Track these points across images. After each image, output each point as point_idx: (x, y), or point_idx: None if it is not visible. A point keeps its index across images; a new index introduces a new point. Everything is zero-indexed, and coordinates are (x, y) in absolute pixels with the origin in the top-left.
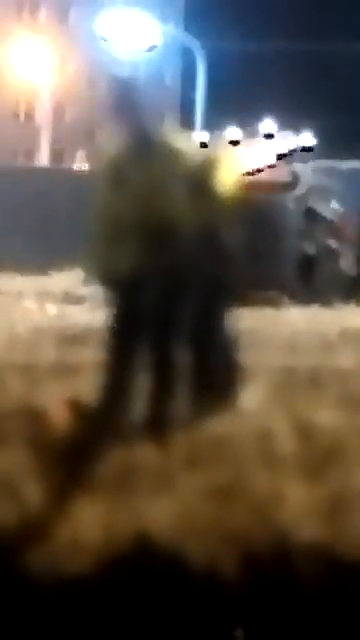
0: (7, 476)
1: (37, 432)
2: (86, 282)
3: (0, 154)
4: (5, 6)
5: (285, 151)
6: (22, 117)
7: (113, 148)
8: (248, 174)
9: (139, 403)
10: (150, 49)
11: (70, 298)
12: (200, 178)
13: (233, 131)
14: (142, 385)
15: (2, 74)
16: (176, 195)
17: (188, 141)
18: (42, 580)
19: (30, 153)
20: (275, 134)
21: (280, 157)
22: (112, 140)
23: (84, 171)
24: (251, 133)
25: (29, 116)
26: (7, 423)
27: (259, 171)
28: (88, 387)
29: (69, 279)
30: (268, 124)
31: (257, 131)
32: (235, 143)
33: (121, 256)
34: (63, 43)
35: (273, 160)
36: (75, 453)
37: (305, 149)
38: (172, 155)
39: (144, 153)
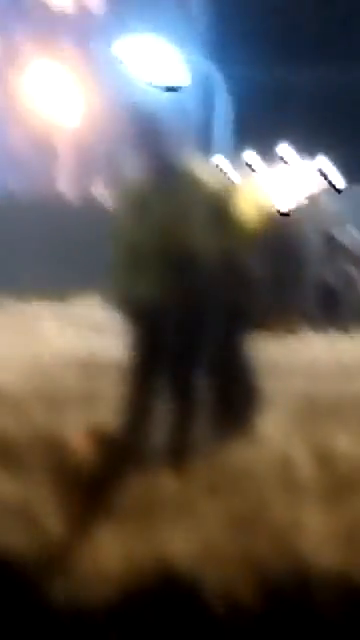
0: (29, 505)
1: (58, 461)
2: (106, 310)
3: (20, 182)
4: (24, 34)
5: (315, 192)
6: (42, 145)
7: (135, 177)
8: (282, 214)
9: (160, 431)
10: (176, 89)
11: (90, 325)
12: (221, 207)
13: (250, 155)
14: (163, 413)
15: (21, 102)
16: (198, 224)
17: (209, 170)
18: (64, 609)
19: (50, 181)
20: (302, 169)
21: (309, 197)
22: (134, 169)
23: (105, 200)
24: (269, 158)
25: (49, 144)
26: (29, 451)
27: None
28: (109, 416)
29: (89, 306)
30: (284, 148)
31: (276, 156)
32: (253, 170)
33: (142, 285)
34: (84, 71)
35: (303, 200)
36: (96, 482)
37: (335, 188)
38: (194, 184)
39: (166, 182)
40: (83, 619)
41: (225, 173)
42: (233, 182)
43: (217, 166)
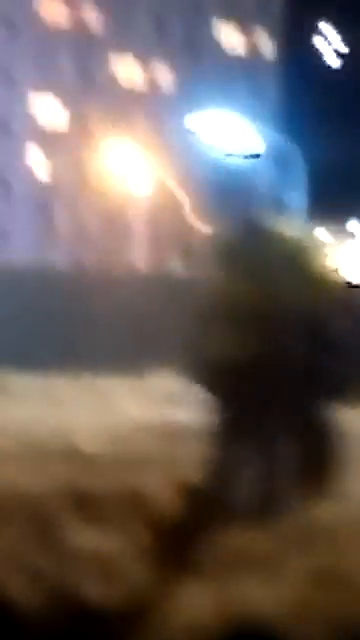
0: (115, 559)
1: (144, 517)
2: (181, 381)
3: (92, 255)
4: (95, 110)
5: None
6: (114, 219)
7: (223, 239)
8: (352, 287)
9: (246, 489)
10: (253, 157)
11: (166, 397)
12: (309, 266)
13: (320, 232)
14: (248, 471)
15: (94, 176)
16: (284, 288)
17: (298, 229)
18: None
19: (123, 254)
20: None
21: None
22: (222, 231)
23: (179, 274)
24: (341, 232)
25: (121, 218)
26: (114, 508)
27: None
28: (193, 475)
29: (164, 378)
30: (354, 225)
31: (345, 232)
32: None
33: (227, 348)
34: (155, 145)
35: None
36: (182, 538)
37: None
38: (283, 243)
39: (254, 243)
40: None
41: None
42: (318, 245)
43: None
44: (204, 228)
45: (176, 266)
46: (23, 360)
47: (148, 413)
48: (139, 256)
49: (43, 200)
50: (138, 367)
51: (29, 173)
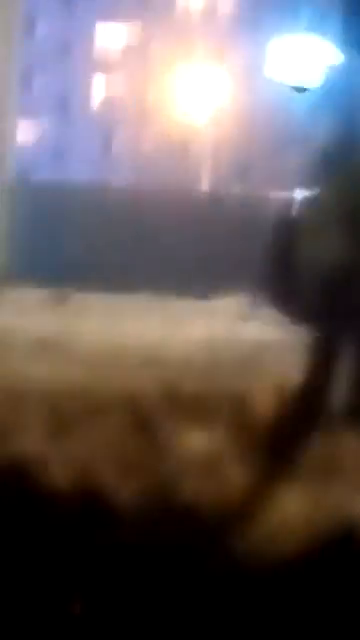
0: (213, 459)
1: (242, 417)
2: (251, 301)
3: (150, 177)
4: (163, 36)
5: None
6: (180, 151)
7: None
8: None
9: (344, 392)
10: (304, 89)
11: (237, 316)
12: None
13: None
14: (347, 374)
15: (159, 106)
16: None
17: None
18: (244, 564)
19: (182, 177)
20: None
21: None
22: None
23: (252, 197)
24: None
25: (187, 150)
26: (213, 408)
27: None
28: (289, 379)
29: (233, 303)
30: None
31: None
32: None
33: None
34: (222, 74)
35: None
36: (279, 439)
37: None
38: None
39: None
40: (263, 576)
41: None
42: None
43: None
44: (265, 151)
45: (236, 188)
46: (86, 280)
47: (223, 330)
48: (198, 179)
49: (103, 123)
50: (201, 288)
51: (89, 96)
